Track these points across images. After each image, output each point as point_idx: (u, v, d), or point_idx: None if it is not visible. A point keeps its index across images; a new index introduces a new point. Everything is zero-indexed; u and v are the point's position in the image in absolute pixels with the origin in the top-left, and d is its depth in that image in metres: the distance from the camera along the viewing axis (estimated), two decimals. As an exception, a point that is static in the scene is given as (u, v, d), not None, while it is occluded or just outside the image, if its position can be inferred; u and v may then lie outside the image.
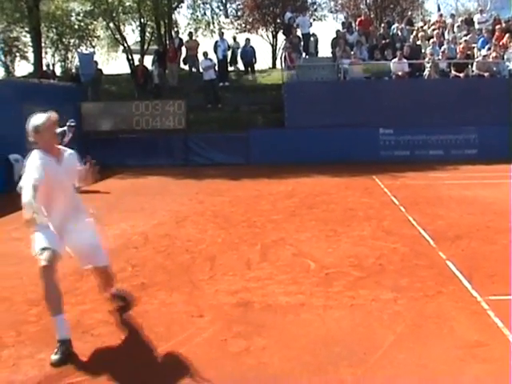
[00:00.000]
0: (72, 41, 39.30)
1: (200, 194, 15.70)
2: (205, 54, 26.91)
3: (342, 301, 6.95)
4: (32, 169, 5.78)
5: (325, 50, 28.75)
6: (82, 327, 6.31)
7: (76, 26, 37.30)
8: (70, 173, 6.24)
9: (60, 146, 6.36)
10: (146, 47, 37.26)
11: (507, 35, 25.73)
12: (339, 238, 10.32)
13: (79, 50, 37.32)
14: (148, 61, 31.07)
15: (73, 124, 18.14)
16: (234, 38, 30.94)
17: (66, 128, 17.68)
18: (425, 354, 5.48)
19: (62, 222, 6.11)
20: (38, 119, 5.97)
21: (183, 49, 30.25)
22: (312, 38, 28.12)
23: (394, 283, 7.57)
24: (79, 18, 36.80)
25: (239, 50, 29.74)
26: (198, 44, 30.46)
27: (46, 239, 5.93)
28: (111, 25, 35.39)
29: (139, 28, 38.37)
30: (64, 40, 39.20)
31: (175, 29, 38.64)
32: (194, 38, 31.79)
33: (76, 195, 6.47)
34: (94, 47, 39.82)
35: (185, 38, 32.25)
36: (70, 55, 40.69)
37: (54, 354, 5.52)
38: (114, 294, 6.68)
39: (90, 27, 37.39)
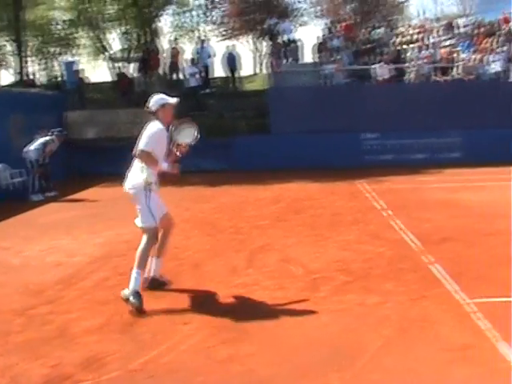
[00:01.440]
0: (55, 49, 39.28)
1: (185, 201, 15.68)
2: (188, 61, 26.91)
3: (329, 305, 6.94)
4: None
5: (308, 56, 28.83)
6: (68, 336, 6.28)
7: (59, 35, 37.30)
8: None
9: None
10: (129, 55, 37.30)
11: (489, 38, 25.92)
12: (326, 243, 10.33)
13: (63, 59, 37.29)
14: (131, 68, 31.06)
15: (64, 133, 18.19)
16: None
17: (53, 137, 17.68)
18: (412, 357, 5.48)
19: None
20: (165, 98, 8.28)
21: (166, 56, 30.28)
22: (295, 44, 28.18)
23: (380, 287, 7.57)
24: (62, 26, 36.82)
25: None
26: (181, 51, 30.47)
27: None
28: (94, 33, 35.43)
29: (122, 36, 38.43)
30: (47, 49, 39.18)
31: (158, 36, 38.68)
32: (177, 45, 31.79)
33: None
34: (77, 55, 39.77)
35: (168, 45, 32.33)
36: (53, 64, 40.63)
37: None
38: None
39: (73, 36, 37.35)
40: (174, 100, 8.23)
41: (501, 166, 19.82)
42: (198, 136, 8.38)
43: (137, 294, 7.12)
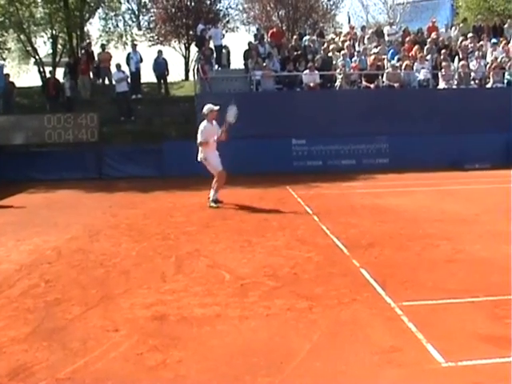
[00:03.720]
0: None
1: (113, 208, 15.54)
2: (117, 66, 26.71)
3: (257, 311, 6.95)
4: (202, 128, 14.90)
5: (237, 62, 28.86)
6: (-6, 345, 6.17)
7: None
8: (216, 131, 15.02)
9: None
10: (57, 59, 36.82)
11: (416, 47, 26.39)
12: (253, 249, 10.34)
13: (-11, 62, 36.60)
14: (60, 73, 30.66)
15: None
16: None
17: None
18: (341, 360, 5.52)
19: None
20: (212, 106, 14.97)
21: (96, 61, 30.04)
22: (224, 50, 28.22)
23: (308, 292, 7.61)
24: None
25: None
26: (111, 56, 30.24)
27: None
28: (22, 37, 34.89)
29: (51, 40, 37.92)
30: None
31: (87, 41, 38.31)
32: (106, 50, 31.54)
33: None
34: (4, 59, 39.06)
35: (97, 50, 32.03)
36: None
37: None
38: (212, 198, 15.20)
39: (1, 39, 36.68)
40: (216, 107, 14.92)
41: (428, 172, 20.23)
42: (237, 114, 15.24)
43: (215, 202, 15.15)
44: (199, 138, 14.98)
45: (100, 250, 10.67)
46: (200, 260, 9.66)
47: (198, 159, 15.22)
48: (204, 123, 15.07)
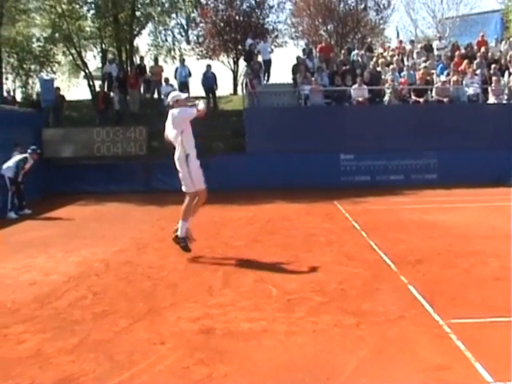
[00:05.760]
0: (33, 66, 38.97)
1: (162, 221, 15.61)
2: (166, 80, 26.92)
3: (304, 326, 6.91)
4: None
5: (286, 76, 28.87)
6: (42, 355, 6.20)
7: (37, 52, 37.02)
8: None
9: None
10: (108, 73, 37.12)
11: (465, 61, 26.18)
12: (301, 264, 10.29)
13: (40, 76, 37.03)
14: (111, 87, 30.94)
15: (38, 151, 18.10)
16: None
17: (27, 155, 17.57)
18: (388, 378, 5.46)
19: None
20: (179, 95, 11.85)
21: (146, 75, 30.25)
22: (270, 64, 28.42)
23: (356, 308, 7.56)
24: (40, 43, 36.54)
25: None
26: (163, 69, 30.42)
27: None
28: (72, 50, 35.25)
29: (100, 54, 38.25)
30: (25, 66, 38.89)
31: (137, 55, 38.59)
32: (158, 63, 31.73)
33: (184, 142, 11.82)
34: (54, 73, 39.48)
35: (146, 63, 32.25)
36: (30, 81, 40.36)
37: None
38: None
39: (50, 53, 37.08)
40: (184, 95, 12.06)
41: (477, 188, 20.00)
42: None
43: (183, 239, 10.96)
44: (193, 110, 11.20)
45: (147, 262, 10.72)
46: (247, 274, 9.65)
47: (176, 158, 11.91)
48: (178, 108, 11.13)
